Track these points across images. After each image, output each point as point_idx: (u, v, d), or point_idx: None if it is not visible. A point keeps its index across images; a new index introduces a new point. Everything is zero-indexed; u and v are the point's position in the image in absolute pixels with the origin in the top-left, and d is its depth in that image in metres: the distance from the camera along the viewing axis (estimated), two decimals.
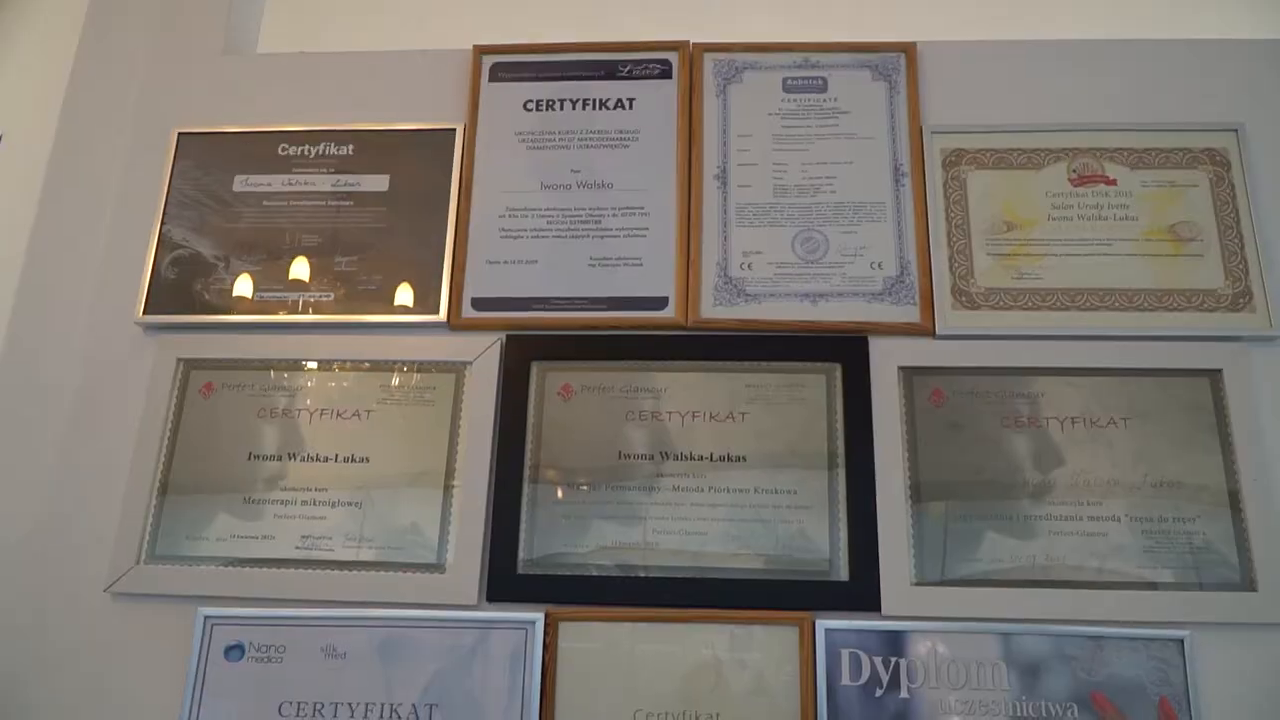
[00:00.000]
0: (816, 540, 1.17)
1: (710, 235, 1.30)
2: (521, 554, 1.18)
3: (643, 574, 1.17)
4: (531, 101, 1.38)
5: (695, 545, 1.17)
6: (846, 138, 1.33)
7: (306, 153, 1.38)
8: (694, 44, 1.38)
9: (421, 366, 1.26)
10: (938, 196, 1.29)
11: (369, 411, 1.25)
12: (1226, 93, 1.32)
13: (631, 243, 1.30)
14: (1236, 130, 1.29)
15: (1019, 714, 1.09)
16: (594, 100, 1.37)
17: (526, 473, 1.21)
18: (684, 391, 1.24)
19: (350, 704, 1.13)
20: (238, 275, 1.32)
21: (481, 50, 1.40)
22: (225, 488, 1.23)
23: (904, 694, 1.10)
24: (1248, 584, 1.12)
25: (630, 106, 1.37)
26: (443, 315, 1.27)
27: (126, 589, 1.19)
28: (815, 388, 1.23)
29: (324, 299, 1.30)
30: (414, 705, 1.13)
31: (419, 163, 1.36)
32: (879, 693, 1.10)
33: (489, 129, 1.37)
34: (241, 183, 1.36)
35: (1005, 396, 1.21)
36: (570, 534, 1.19)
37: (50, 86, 1.43)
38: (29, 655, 1.19)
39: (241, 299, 1.31)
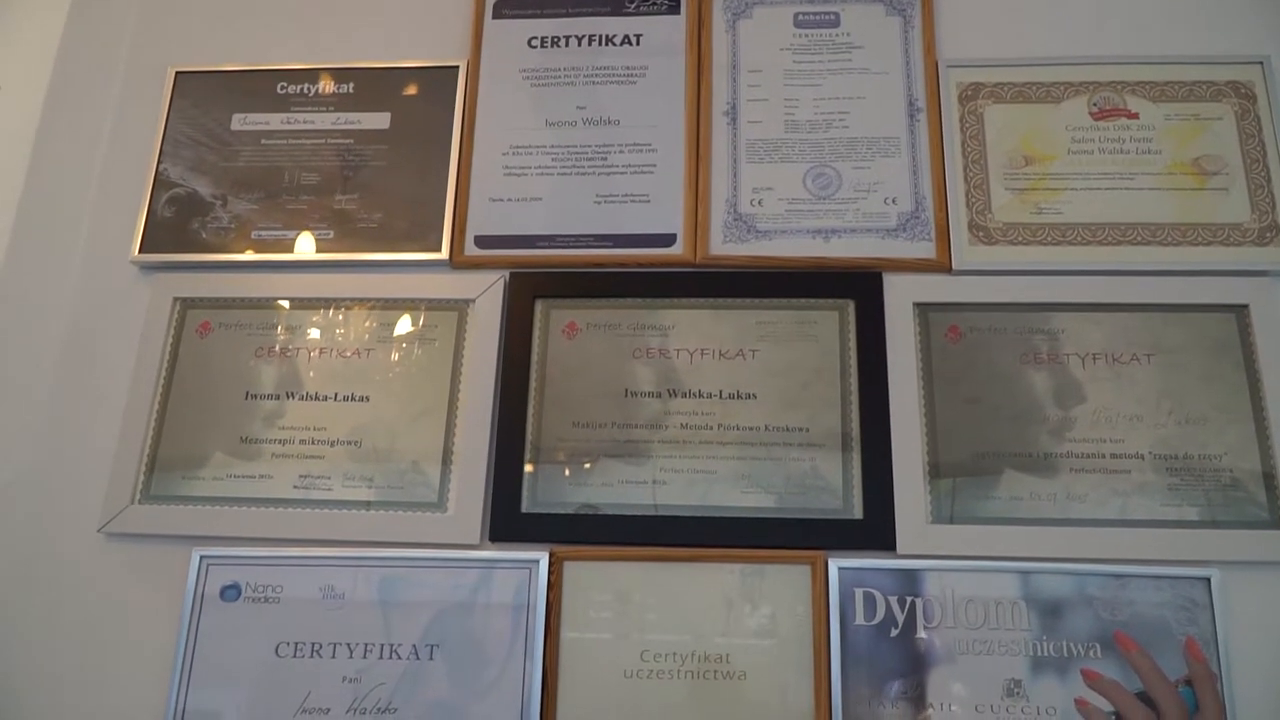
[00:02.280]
0: (829, 478, 1.13)
1: (720, 172, 1.26)
2: (525, 493, 1.15)
3: (650, 513, 1.13)
4: (536, 38, 1.34)
5: (704, 483, 1.14)
6: (860, 73, 1.30)
7: (306, 91, 1.34)
8: None
9: (423, 304, 1.23)
10: (954, 131, 1.26)
11: (369, 350, 1.22)
12: (1251, 25, 1.28)
13: (639, 180, 1.27)
14: (1262, 63, 1.25)
15: (1040, 654, 1.05)
16: (600, 36, 1.34)
17: (530, 411, 1.18)
18: (692, 329, 1.21)
19: (349, 644, 1.10)
20: (235, 214, 1.29)
21: None
22: (222, 427, 1.20)
23: (920, 634, 1.07)
24: (1276, 522, 1.08)
25: (637, 43, 1.33)
26: (445, 253, 1.24)
27: (121, 529, 1.16)
28: (827, 325, 1.19)
29: (323, 237, 1.27)
30: (414, 646, 1.09)
31: (421, 101, 1.32)
32: (894, 632, 1.07)
33: (492, 66, 1.33)
34: (240, 121, 1.33)
35: (1024, 333, 1.17)
36: (575, 473, 1.15)
37: (46, 27, 1.40)
38: (21, 596, 1.16)
39: (239, 237, 1.27)
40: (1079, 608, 1.06)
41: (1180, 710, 1.01)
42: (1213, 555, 1.07)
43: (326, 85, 1.34)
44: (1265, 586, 1.07)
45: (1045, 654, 1.05)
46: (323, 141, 1.32)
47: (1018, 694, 1.04)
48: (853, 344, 1.18)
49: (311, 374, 1.22)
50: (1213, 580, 1.06)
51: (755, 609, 1.09)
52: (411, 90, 1.33)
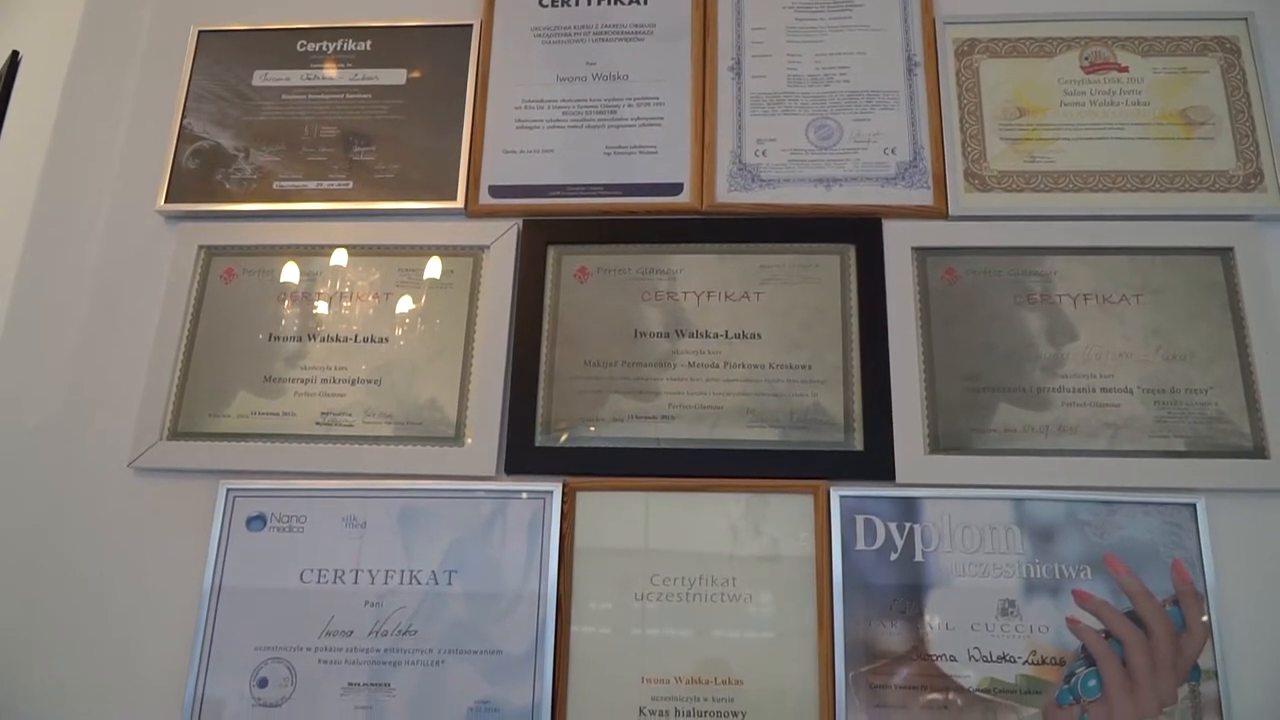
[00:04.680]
0: (831, 412, 1.18)
1: (725, 124, 1.31)
2: (539, 428, 1.19)
3: (659, 445, 1.18)
4: None
5: (710, 418, 1.19)
6: (860, 29, 1.34)
7: (325, 48, 1.39)
8: None
9: (439, 251, 1.28)
10: (950, 85, 1.30)
11: (388, 295, 1.27)
12: None
13: (647, 132, 1.31)
14: (1246, 19, 1.30)
15: (1033, 576, 1.10)
16: None
17: (544, 350, 1.22)
18: (699, 273, 1.25)
19: (371, 570, 1.15)
20: (257, 165, 1.33)
21: None
22: (246, 368, 1.25)
23: (918, 558, 1.11)
24: (1260, 451, 1.13)
25: (645, 1, 1.38)
26: (460, 202, 1.29)
27: (150, 464, 1.20)
28: (829, 268, 1.24)
29: (342, 187, 1.31)
30: (433, 571, 1.14)
31: (436, 58, 1.37)
32: (893, 557, 1.12)
33: (505, 25, 1.38)
34: (261, 77, 1.38)
35: (1018, 274, 1.22)
36: (587, 409, 1.20)
37: None
38: (56, 528, 1.20)
39: (261, 188, 1.32)
40: (1070, 532, 1.11)
41: (1168, 628, 1.07)
42: (1198, 483, 1.12)
43: (345, 43, 1.39)
44: (1248, 512, 1.11)
45: (1038, 576, 1.10)
46: (341, 97, 1.36)
47: (1012, 613, 1.09)
48: (854, 286, 1.23)
49: (332, 317, 1.26)
50: (1198, 506, 1.11)
51: (760, 535, 1.13)
52: (427, 48, 1.38)
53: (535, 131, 1.33)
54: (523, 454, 1.18)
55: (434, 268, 1.27)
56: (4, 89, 1.52)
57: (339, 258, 1.29)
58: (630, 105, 1.33)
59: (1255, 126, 1.25)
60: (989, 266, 1.23)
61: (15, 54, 1.55)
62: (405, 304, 1.26)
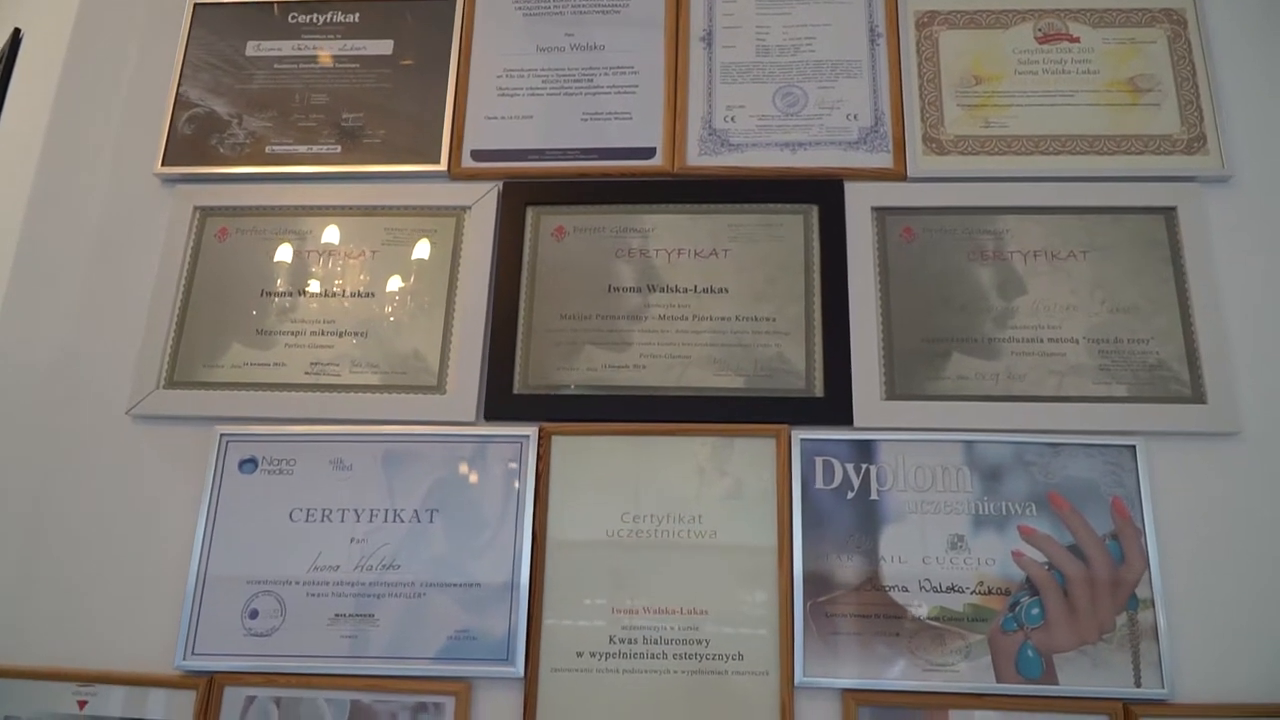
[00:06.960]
0: (794, 361, 1.24)
1: (696, 91, 1.37)
2: (517, 377, 1.26)
3: (630, 393, 1.24)
4: None
5: (680, 367, 1.25)
6: (826, 2, 1.41)
7: (315, 20, 1.46)
8: None
9: (424, 211, 1.34)
10: (910, 55, 1.37)
11: (374, 252, 1.33)
12: None
13: (621, 99, 1.38)
14: None
15: (981, 513, 1.17)
16: None
17: (522, 304, 1.29)
18: (670, 231, 1.32)
19: (356, 509, 1.21)
20: (251, 130, 1.40)
21: None
22: (239, 321, 1.31)
23: (874, 496, 1.18)
24: (1198, 397, 1.19)
25: None
26: (443, 165, 1.35)
27: (147, 411, 1.27)
28: (793, 227, 1.31)
29: (331, 152, 1.38)
30: (416, 510, 1.21)
31: (421, 29, 1.44)
32: (850, 495, 1.18)
33: None
34: (254, 48, 1.45)
35: (972, 233, 1.29)
36: (563, 359, 1.27)
37: None
38: (58, 472, 1.27)
39: (254, 152, 1.39)
40: (1017, 472, 1.18)
41: (1107, 561, 1.14)
42: (1138, 426, 1.19)
43: (334, 15, 1.45)
44: (1184, 453, 1.18)
45: (986, 513, 1.17)
46: (330, 66, 1.43)
47: (961, 547, 1.15)
48: (816, 243, 1.29)
49: (321, 274, 1.33)
50: (1138, 448, 1.17)
51: (725, 476, 1.20)
52: (412, 20, 1.44)
53: (515, 99, 1.39)
54: (501, 401, 1.25)
55: (418, 227, 1.34)
56: (6, 64, 1.58)
57: (328, 218, 1.35)
58: (606, 74, 1.39)
59: (1199, 93, 1.32)
60: (945, 225, 1.29)
61: (17, 31, 1.61)
62: (391, 261, 1.32)
